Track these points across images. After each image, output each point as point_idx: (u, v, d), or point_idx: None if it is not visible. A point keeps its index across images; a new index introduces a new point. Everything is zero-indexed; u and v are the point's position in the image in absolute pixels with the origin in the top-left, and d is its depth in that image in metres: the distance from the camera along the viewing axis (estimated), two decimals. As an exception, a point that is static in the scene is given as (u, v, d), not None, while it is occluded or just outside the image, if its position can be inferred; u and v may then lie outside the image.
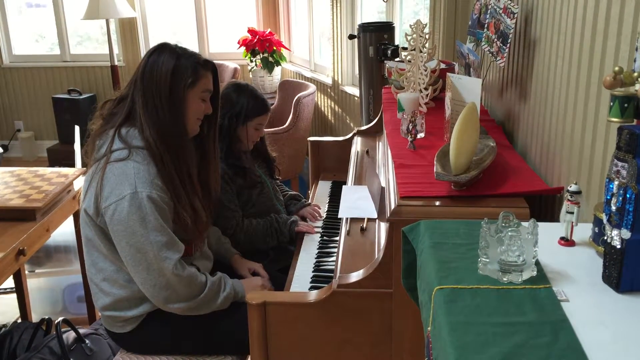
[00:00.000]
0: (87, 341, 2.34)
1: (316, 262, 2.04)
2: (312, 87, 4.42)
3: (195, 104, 1.82)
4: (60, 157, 5.32)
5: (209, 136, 1.94)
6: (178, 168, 1.78)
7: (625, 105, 0.98)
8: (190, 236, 1.84)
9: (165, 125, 1.76)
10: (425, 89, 2.26)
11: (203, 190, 1.91)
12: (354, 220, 2.03)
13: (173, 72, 1.76)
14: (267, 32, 5.14)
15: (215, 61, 1.98)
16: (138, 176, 1.70)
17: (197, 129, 1.87)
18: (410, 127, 1.96)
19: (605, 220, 0.97)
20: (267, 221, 2.27)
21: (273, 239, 2.26)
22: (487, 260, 1.01)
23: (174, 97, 1.76)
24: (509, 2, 1.91)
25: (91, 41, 6.10)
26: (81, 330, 2.38)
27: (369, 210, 2.03)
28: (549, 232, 1.16)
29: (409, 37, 2.26)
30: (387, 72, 2.60)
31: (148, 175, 1.71)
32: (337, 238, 2.11)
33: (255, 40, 5.06)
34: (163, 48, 1.80)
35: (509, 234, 0.99)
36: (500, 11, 1.96)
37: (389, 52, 3.23)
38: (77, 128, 4.25)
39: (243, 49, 5.16)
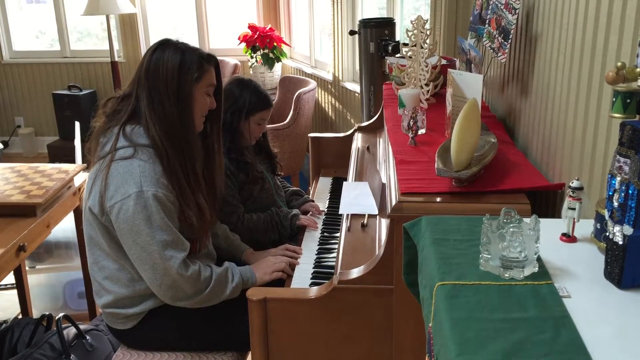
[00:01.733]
0: (87, 337, 2.33)
1: (317, 258, 2.04)
2: (312, 83, 4.42)
3: (201, 99, 1.81)
4: (61, 153, 5.32)
5: (213, 132, 1.93)
6: (183, 166, 1.77)
7: (628, 100, 0.97)
8: (195, 234, 1.84)
9: (172, 122, 1.75)
10: (426, 85, 2.26)
11: (208, 187, 1.90)
12: (354, 216, 2.03)
13: (180, 67, 1.75)
14: (267, 28, 5.13)
15: (215, 57, 1.98)
16: (144, 175, 1.69)
17: (202, 125, 1.86)
18: (411, 123, 1.96)
19: (607, 217, 0.97)
20: (268, 215, 2.26)
21: (274, 232, 2.25)
22: (489, 256, 1.01)
23: (181, 93, 1.76)
24: (511, -3, 1.90)
25: (91, 37, 6.09)
26: (82, 326, 2.37)
27: (370, 206, 2.03)
28: (550, 228, 1.15)
29: (409, 33, 2.25)
30: (388, 68, 2.60)
31: (154, 174, 1.71)
32: (338, 234, 2.11)
33: (256, 36, 5.06)
34: (166, 44, 1.79)
35: (511, 230, 0.99)
36: (502, 7, 1.95)
37: (390, 48, 3.22)
38: (77, 124, 4.24)
39: (243, 45, 5.15)
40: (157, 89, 1.75)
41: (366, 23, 3.39)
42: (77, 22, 5.88)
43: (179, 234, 1.75)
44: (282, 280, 1.95)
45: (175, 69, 1.75)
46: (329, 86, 4.64)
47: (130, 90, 1.81)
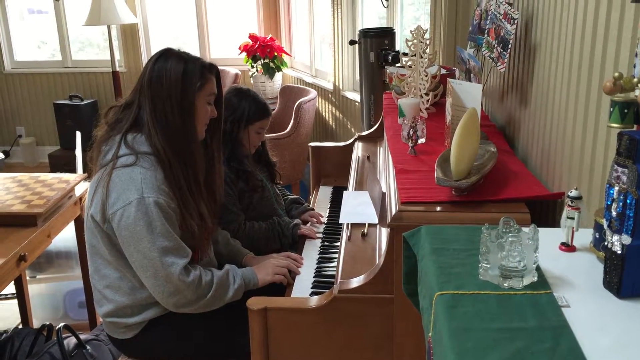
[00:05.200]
0: (88, 347, 2.33)
1: (317, 267, 2.04)
2: (313, 93, 4.43)
3: (203, 108, 1.82)
4: (62, 162, 5.32)
5: (213, 140, 1.94)
6: (186, 174, 1.78)
7: (625, 110, 0.98)
8: (196, 242, 1.84)
9: (175, 130, 1.76)
10: (426, 94, 2.27)
11: (208, 195, 1.91)
12: (354, 225, 2.03)
13: (183, 76, 1.76)
14: (268, 38, 5.15)
15: (216, 67, 1.99)
16: (145, 182, 1.70)
17: (204, 134, 1.87)
18: (411, 133, 1.96)
19: (605, 226, 0.97)
20: (269, 224, 2.27)
21: (275, 242, 2.26)
22: (488, 265, 1.01)
23: (184, 102, 1.76)
24: (509, 7, 1.91)
25: (92, 47, 6.11)
26: (82, 336, 2.37)
27: (370, 215, 2.03)
28: (549, 237, 1.16)
29: (409, 43, 2.26)
30: (388, 77, 2.60)
31: (155, 181, 1.72)
32: (338, 243, 2.11)
33: (256, 45, 5.08)
34: (168, 53, 1.80)
35: (510, 239, 0.99)
36: (501, 17, 1.96)
37: (390, 57, 3.23)
38: (78, 134, 4.25)
39: (244, 54, 5.17)
40: (160, 98, 1.76)
41: (366, 33, 3.41)
42: (79, 32, 5.90)
43: (180, 241, 1.76)
44: (283, 289, 1.95)
45: (179, 78, 1.76)
46: (330, 95, 4.65)
47: (132, 98, 1.82)
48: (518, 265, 0.98)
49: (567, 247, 1.14)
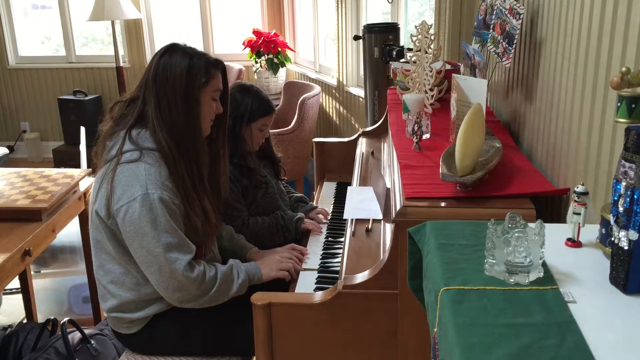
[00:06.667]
0: (92, 342, 2.34)
1: (321, 262, 2.04)
2: (317, 88, 4.42)
3: (208, 104, 1.82)
4: (66, 158, 5.34)
5: (219, 137, 1.94)
6: (190, 170, 1.78)
7: (633, 105, 0.97)
8: (200, 239, 1.84)
9: (179, 126, 1.76)
10: (431, 89, 2.26)
11: (213, 192, 1.91)
12: (359, 221, 2.03)
13: (187, 72, 1.75)
14: (272, 34, 5.15)
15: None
16: (149, 178, 1.70)
17: (209, 130, 1.87)
18: (416, 128, 1.96)
19: (612, 222, 0.97)
20: (272, 218, 2.27)
21: (279, 236, 2.25)
22: (494, 261, 1.01)
23: (188, 98, 1.76)
24: (515, 2, 1.90)
25: (96, 42, 6.12)
26: (86, 331, 2.38)
27: (374, 211, 2.03)
28: (555, 233, 1.15)
29: (414, 38, 2.25)
30: (392, 73, 2.60)
31: (159, 177, 1.71)
32: (342, 239, 2.11)
33: (260, 41, 5.07)
34: (174, 48, 1.80)
35: (516, 235, 0.99)
36: (506, 12, 1.96)
37: (394, 53, 3.23)
38: (82, 129, 4.25)
39: (248, 50, 5.17)
40: (165, 93, 1.75)
41: (370, 28, 3.40)
42: (83, 27, 5.91)
43: (184, 237, 1.76)
44: (287, 284, 1.95)
45: (183, 73, 1.75)
46: (334, 91, 4.64)
47: (137, 93, 1.82)
48: (524, 261, 0.98)
49: (574, 242, 1.13)
